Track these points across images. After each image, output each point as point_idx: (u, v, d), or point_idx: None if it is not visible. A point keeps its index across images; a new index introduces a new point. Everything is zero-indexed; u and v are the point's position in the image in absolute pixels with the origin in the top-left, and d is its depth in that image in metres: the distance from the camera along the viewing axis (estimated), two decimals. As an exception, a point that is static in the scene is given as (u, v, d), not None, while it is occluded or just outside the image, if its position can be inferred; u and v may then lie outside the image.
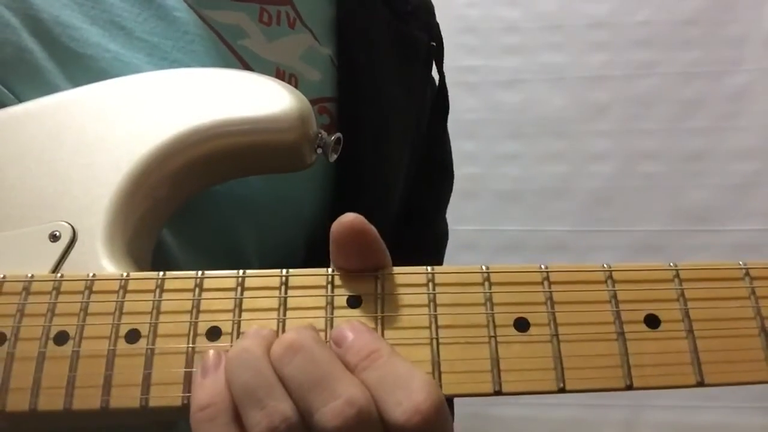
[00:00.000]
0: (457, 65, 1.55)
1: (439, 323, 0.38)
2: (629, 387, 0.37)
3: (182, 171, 0.47)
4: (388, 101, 0.68)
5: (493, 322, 0.38)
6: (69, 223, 0.45)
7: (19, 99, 0.51)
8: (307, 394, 0.33)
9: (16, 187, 0.47)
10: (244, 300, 0.39)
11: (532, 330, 0.38)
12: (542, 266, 0.40)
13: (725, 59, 1.52)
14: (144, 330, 0.38)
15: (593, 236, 1.51)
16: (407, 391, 0.33)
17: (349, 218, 0.38)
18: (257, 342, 0.35)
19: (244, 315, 0.39)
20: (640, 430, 1.44)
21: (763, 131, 1.49)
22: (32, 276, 0.41)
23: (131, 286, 0.40)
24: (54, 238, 0.44)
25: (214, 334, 0.38)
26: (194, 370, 0.37)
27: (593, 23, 1.57)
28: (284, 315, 0.39)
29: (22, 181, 0.47)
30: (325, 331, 0.38)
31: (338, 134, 0.52)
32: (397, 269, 0.40)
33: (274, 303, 0.39)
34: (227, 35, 0.58)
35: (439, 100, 0.79)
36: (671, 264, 0.40)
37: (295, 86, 0.58)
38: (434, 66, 0.78)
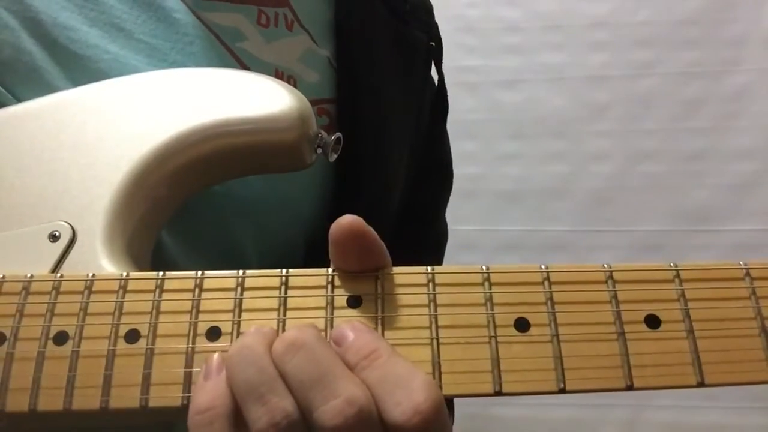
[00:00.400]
0: (457, 65, 1.55)
1: (440, 323, 0.38)
2: (630, 387, 0.37)
3: (182, 171, 0.47)
4: (387, 101, 0.68)
5: (494, 322, 0.38)
6: (69, 223, 0.45)
7: (19, 100, 0.51)
8: (308, 391, 0.33)
9: (15, 186, 0.47)
10: (243, 300, 0.39)
11: (533, 330, 0.38)
12: (542, 266, 0.39)
13: (725, 59, 1.52)
14: (144, 330, 0.38)
15: (593, 236, 1.51)
16: (407, 392, 0.33)
17: (347, 220, 0.38)
18: (259, 339, 0.35)
19: (244, 315, 0.39)
20: (640, 430, 1.44)
21: (763, 131, 1.50)
22: (32, 276, 0.41)
23: (131, 286, 0.40)
24: (53, 238, 0.44)
25: (213, 334, 0.38)
26: (195, 370, 0.37)
27: (593, 23, 1.57)
28: (284, 315, 0.38)
29: (21, 180, 0.47)
30: (326, 331, 0.38)
31: (338, 134, 0.52)
32: (397, 269, 0.40)
33: (274, 303, 0.39)
34: (225, 37, 0.58)
35: (438, 100, 0.79)
36: (672, 264, 0.40)
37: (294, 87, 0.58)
38: (433, 66, 0.78)
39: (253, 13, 0.61)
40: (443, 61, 0.79)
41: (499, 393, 0.36)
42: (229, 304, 0.39)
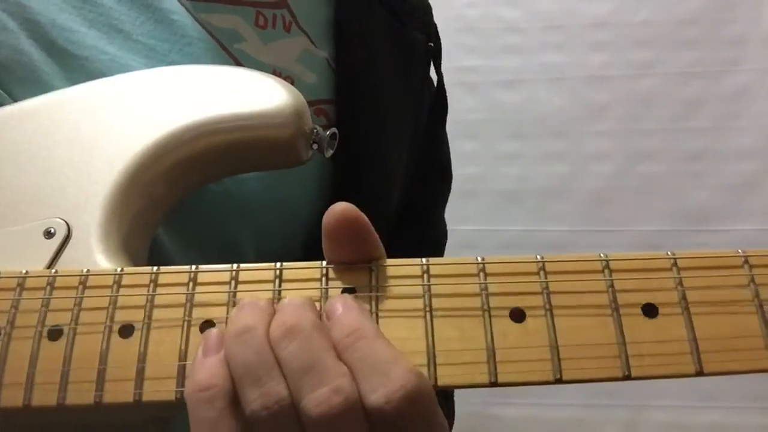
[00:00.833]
0: (457, 65, 1.55)
1: (434, 314, 0.38)
2: (627, 377, 0.36)
3: (177, 168, 0.47)
4: (386, 102, 0.68)
5: (489, 312, 0.38)
6: (64, 220, 0.45)
7: (16, 100, 0.51)
8: (299, 379, 0.33)
9: (11, 184, 0.47)
10: (238, 293, 0.39)
11: (528, 320, 0.37)
12: (538, 257, 0.39)
13: (725, 59, 1.52)
14: (138, 324, 0.38)
15: (593, 236, 1.51)
16: (384, 378, 0.33)
17: (340, 206, 0.38)
18: (258, 319, 0.35)
19: None
20: (641, 430, 1.44)
21: (763, 131, 1.49)
22: (27, 272, 0.41)
23: (125, 281, 0.40)
24: (48, 234, 0.44)
25: (208, 327, 0.38)
26: (189, 363, 0.37)
27: (593, 23, 1.57)
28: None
29: (17, 178, 0.47)
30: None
31: (333, 129, 0.52)
32: (391, 261, 0.40)
33: (268, 296, 0.39)
34: (224, 39, 0.58)
35: (437, 100, 0.79)
36: (669, 253, 0.39)
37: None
38: (432, 66, 0.78)
39: (251, 15, 0.61)
40: (443, 61, 0.78)
41: (494, 384, 0.36)
42: (224, 298, 0.39)
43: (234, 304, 0.39)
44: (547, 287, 0.38)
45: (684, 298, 0.38)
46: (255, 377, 0.34)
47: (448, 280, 0.39)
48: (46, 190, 0.46)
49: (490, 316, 0.38)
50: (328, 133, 0.51)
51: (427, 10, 0.79)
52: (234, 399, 0.34)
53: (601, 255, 0.39)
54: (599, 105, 1.56)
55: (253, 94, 0.48)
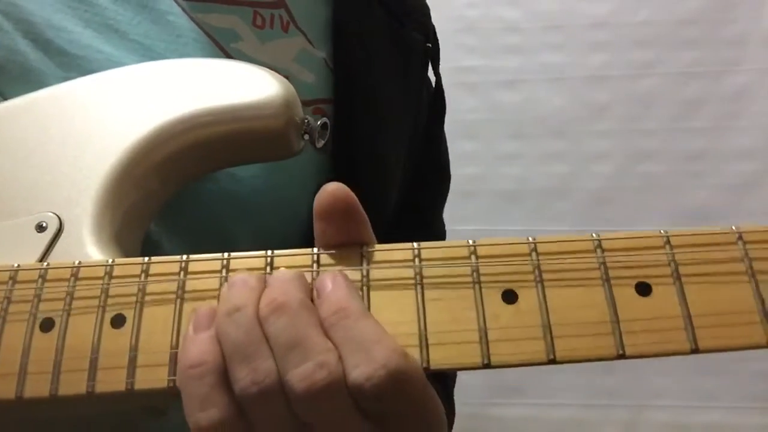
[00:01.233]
0: (457, 65, 1.56)
1: (426, 297, 0.38)
2: (621, 356, 0.36)
3: (169, 161, 0.47)
4: (384, 102, 0.68)
5: (481, 294, 0.37)
6: (56, 214, 0.45)
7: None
8: (285, 354, 0.34)
9: (4, 179, 0.47)
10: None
11: (521, 301, 0.37)
12: (530, 238, 0.39)
13: (725, 59, 1.52)
14: (129, 314, 0.38)
15: (593, 236, 1.50)
16: (367, 356, 0.33)
17: (332, 185, 0.38)
18: (247, 297, 0.36)
19: None
20: (641, 430, 1.43)
21: (763, 131, 1.49)
22: (18, 265, 0.41)
23: (116, 271, 0.40)
24: (40, 228, 0.45)
25: None
26: (175, 352, 0.37)
27: (593, 23, 1.57)
28: None
29: (10, 173, 0.47)
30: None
31: (324, 119, 0.52)
32: (382, 246, 0.40)
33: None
34: (220, 38, 0.58)
35: (435, 100, 0.79)
36: (662, 231, 0.39)
37: None
38: (430, 67, 0.78)
39: (249, 15, 0.61)
40: (443, 61, 0.79)
41: (487, 365, 0.36)
42: (215, 285, 0.39)
43: None
44: (538, 267, 0.38)
45: (677, 275, 0.37)
46: (244, 355, 0.34)
47: (439, 263, 0.39)
48: (39, 184, 0.47)
49: (481, 298, 0.37)
50: (318, 123, 0.51)
51: (425, 11, 0.79)
52: (225, 375, 0.35)
53: (593, 235, 0.39)
54: (599, 105, 1.55)
55: (244, 85, 0.48)
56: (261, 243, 0.56)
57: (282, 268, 0.39)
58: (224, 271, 0.39)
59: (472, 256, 0.39)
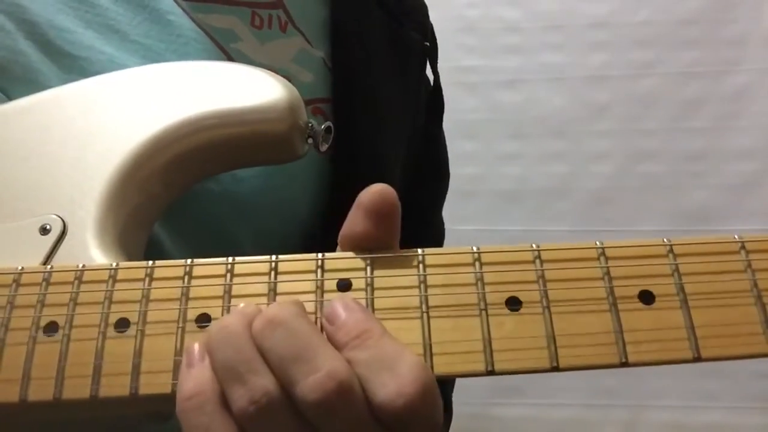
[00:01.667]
0: (457, 65, 1.56)
1: (430, 304, 0.38)
2: (624, 363, 0.36)
3: (172, 164, 0.47)
4: (383, 101, 0.68)
5: (485, 301, 0.37)
6: (59, 216, 0.45)
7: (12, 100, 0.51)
8: (289, 368, 0.33)
9: (7, 181, 0.47)
10: (233, 286, 0.39)
11: (524, 308, 0.37)
12: (533, 245, 0.39)
13: (725, 59, 1.52)
14: (133, 318, 0.38)
15: (593, 236, 1.47)
16: (394, 373, 0.33)
17: (378, 187, 0.38)
18: (239, 319, 0.35)
19: (234, 301, 0.38)
20: (641, 430, 1.44)
21: (763, 131, 1.49)
22: (22, 268, 0.41)
23: (120, 275, 0.40)
24: (44, 231, 0.44)
25: (203, 321, 0.38)
26: (179, 359, 0.37)
27: (593, 23, 1.57)
28: (274, 300, 0.38)
29: (13, 175, 0.47)
30: (315, 314, 0.38)
31: (328, 123, 0.52)
32: (386, 252, 0.40)
33: (263, 289, 0.39)
34: (220, 39, 0.58)
35: (434, 100, 0.79)
36: (665, 240, 0.39)
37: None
38: (429, 66, 0.78)
39: (247, 15, 0.61)
40: (443, 61, 0.79)
41: (491, 372, 0.36)
42: (219, 291, 0.39)
43: (230, 297, 0.39)
44: (543, 275, 0.38)
45: (680, 284, 0.38)
46: (237, 374, 0.33)
47: (443, 270, 0.39)
48: (42, 186, 0.46)
49: (486, 306, 0.37)
50: (323, 127, 0.51)
51: (424, 11, 0.79)
52: (224, 401, 0.34)
53: (597, 243, 0.39)
54: (599, 105, 1.56)
55: (248, 88, 0.48)
56: (261, 243, 0.56)
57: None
58: (229, 275, 0.39)
59: (476, 263, 0.39)
